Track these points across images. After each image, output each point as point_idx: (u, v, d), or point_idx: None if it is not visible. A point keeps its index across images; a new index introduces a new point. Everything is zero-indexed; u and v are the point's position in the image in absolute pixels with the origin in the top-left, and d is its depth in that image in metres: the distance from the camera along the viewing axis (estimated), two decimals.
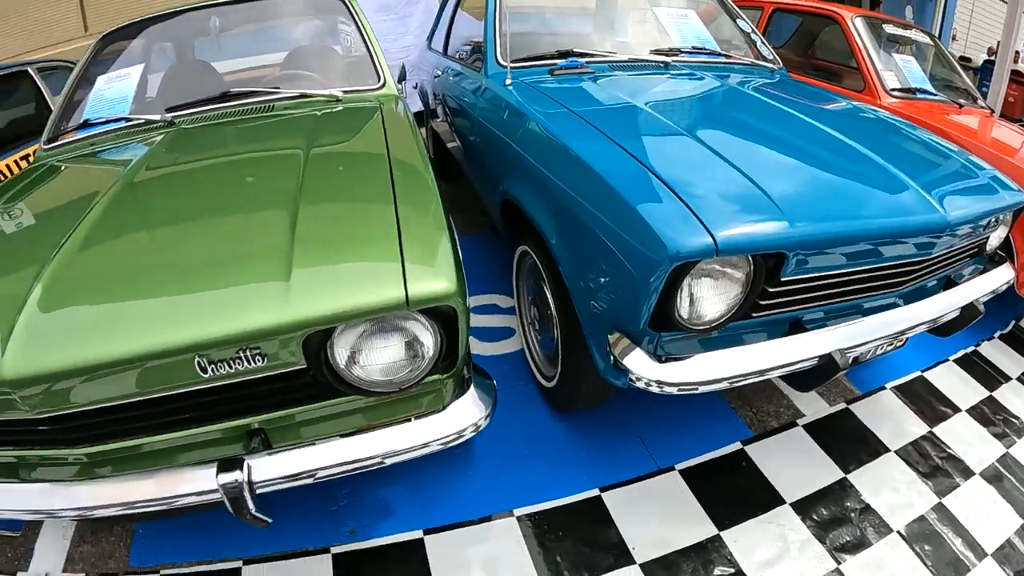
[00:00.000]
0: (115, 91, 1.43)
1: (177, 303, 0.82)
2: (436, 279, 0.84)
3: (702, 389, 1.08)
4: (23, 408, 0.79)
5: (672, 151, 1.16)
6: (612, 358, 1.05)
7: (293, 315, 0.79)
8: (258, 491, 0.89)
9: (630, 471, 1.34)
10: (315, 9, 1.74)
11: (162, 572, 1.25)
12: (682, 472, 1.36)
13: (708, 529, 1.26)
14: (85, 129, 1.42)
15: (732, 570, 1.18)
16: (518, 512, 1.26)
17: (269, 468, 0.89)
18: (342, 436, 0.96)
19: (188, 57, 1.67)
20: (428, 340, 0.88)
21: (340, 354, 0.86)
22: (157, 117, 1.38)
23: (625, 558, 1.21)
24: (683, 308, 1.04)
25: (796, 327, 1.19)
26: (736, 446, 1.42)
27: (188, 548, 1.27)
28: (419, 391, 0.95)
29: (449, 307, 0.85)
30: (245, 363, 0.81)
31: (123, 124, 1.41)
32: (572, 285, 1.13)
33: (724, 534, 1.25)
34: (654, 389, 1.05)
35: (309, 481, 0.94)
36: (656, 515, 1.29)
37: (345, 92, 1.42)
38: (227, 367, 0.81)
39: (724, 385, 1.08)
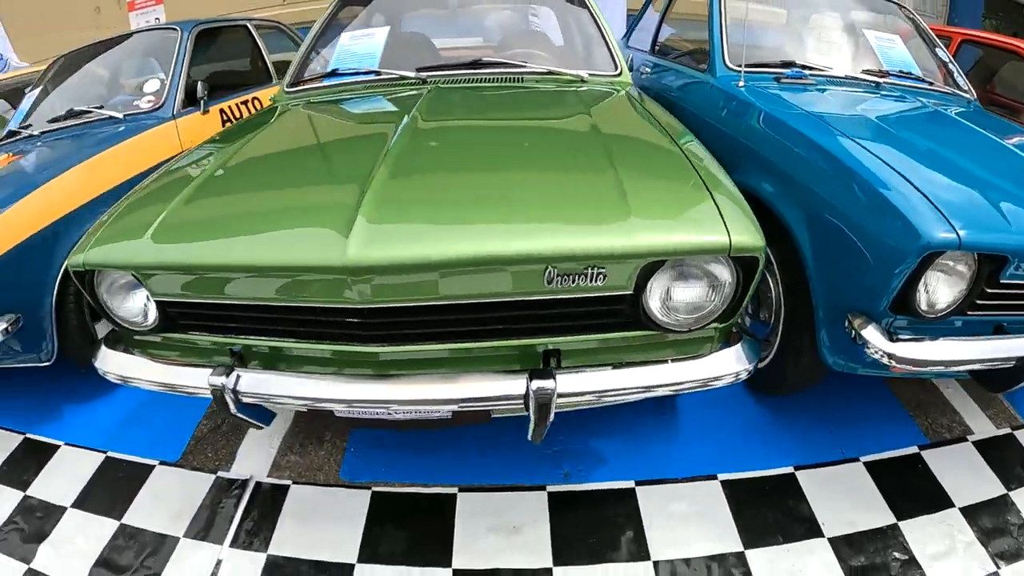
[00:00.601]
0: (362, 47, 1.75)
1: (529, 220, 1.05)
2: (751, 232, 1.10)
3: (922, 368, 1.33)
4: (353, 297, 0.99)
5: (905, 156, 1.41)
6: (853, 333, 1.30)
7: (640, 244, 1.02)
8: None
9: (819, 456, 1.58)
10: None
11: (373, 488, 1.49)
12: (865, 464, 1.60)
13: (888, 518, 1.48)
14: (333, 78, 1.74)
15: (906, 557, 1.40)
16: (721, 476, 1.51)
17: (568, 384, 1.10)
18: (613, 367, 1.22)
19: (422, 26, 2.01)
20: (727, 286, 1.15)
21: (656, 288, 1.12)
22: (412, 74, 1.69)
23: (815, 531, 1.44)
24: (920, 295, 1.31)
25: (999, 330, 1.46)
26: (913, 449, 1.66)
27: (401, 470, 1.51)
28: (698, 335, 1.21)
29: (755, 258, 1.12)
30: (587, 280, 1.04)
31: (372, 77, 1.73)
32: (816, 270, 1.38)
33: (901, 524, 1.48)
34: (885, 361, 1.30)
35: (592, 401, 1.18)
36: (843, 498, 1.52)
37: (591, 75, 1.72)
38: (570, 281, 1.04)
39: (939, 369, 1.34)
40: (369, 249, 0.95)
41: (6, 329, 1.61)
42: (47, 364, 1.78)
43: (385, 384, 1.09)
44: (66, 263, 1.19)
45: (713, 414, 1.66)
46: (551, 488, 1.46)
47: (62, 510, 1.61)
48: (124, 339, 1.32)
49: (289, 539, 1.41)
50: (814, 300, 1.41)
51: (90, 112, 2.27)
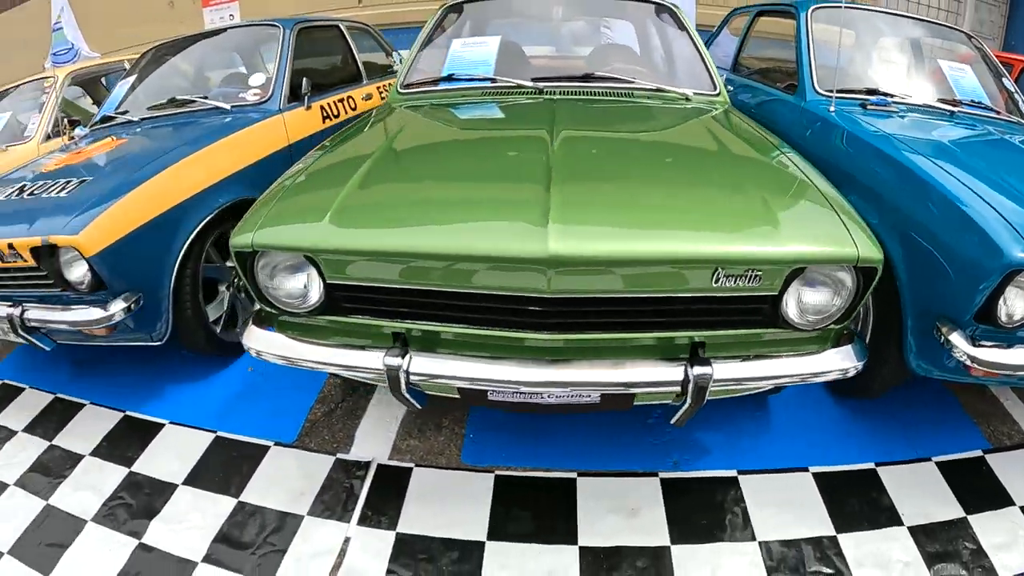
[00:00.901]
0: (475, 55, 1.95)
1: (702, 227, 1.24)
2: (874, 245, 1.31)
3: (1000, 372, 1.57)
4: (543, 287, 1.16)
5: (987, 182, 1.63)
6: (942, 339, 1.54)
7: (792, 253, 1.22)
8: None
9: (896, 455, 1.80)
10: (647, 13, 2.27)
11: (496, 472, 1.67)
12: (936, 463, 1.84)
13: (958, 511, 1.71)
14: (449, 82, 1.93)
15: (974, 547, 1.61)
16: (812, 469, 1.73)
17: (721, 372, 1.28)
18: (741, 359, 1.42)
19: (525, 36, 2.21)
20: (848, 292, 1.37)
21: (793, 291, 1.33)
22: (528, 84, 1.89)
23: (895, 520, 1.66)
24: (1001, 308, 1.56)
25: None
26: (977, 452, 1.91)
27: (521, 454, 1.69)
28: (818, 334, 1.42)
29: (875, 268, 1.35)
30: (745, 281, 1.23)
31: (488, 84, 1.94)
32: (907, 282, 1.61)
33: (970, 518, 1.70)
34: (968, 364, 1.55)
35: (734, 389, 1.36)
36: (918, 492, 1.75)
37: (695, 93, 1.94)
38: (732, 281, 1.23)
39: (1013, 374, 1.58)
40: (568, 243, 1.12)
41: (128, 307, 1.75)
42: (158, 344, 1.92)
43: (557, 368, 1.25)
44: (231, 243, 1.31)
45: (799, 413, 1.89)
46: (663, 475, 1.66)
47: (172, 487, 1.76)
48: (271, 320, 1.45)
49: (416, 518, 1.57)
50: (904, 309, 1.65)
51: (194, 101, 2.42)
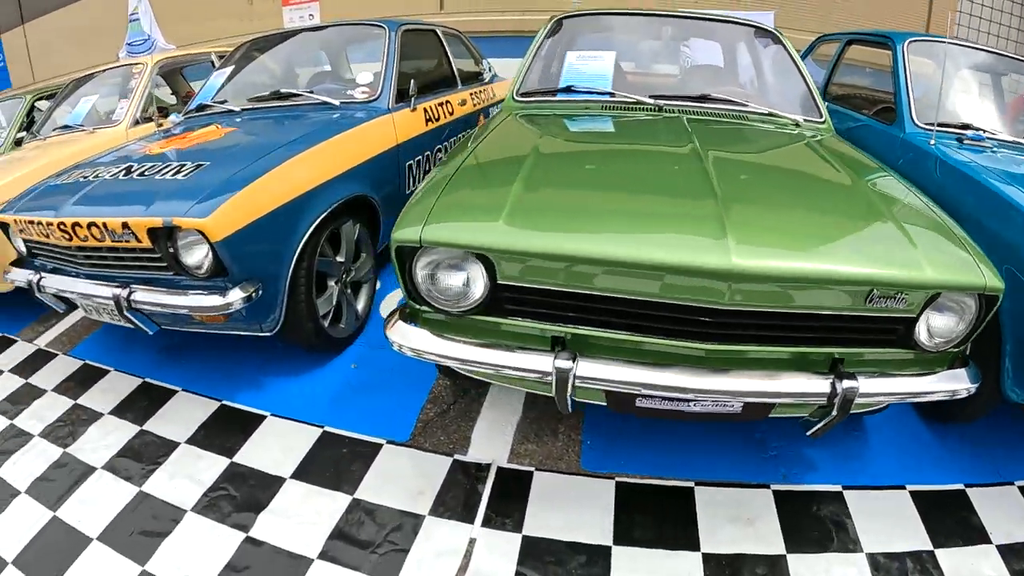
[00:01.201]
0: (592, 68, 2.04)
1: (862, 249, 1.33)
2: (996, 275, 1.38)
3: None
4: (719, 299, 1.24)
5: None
6: None
7: (934, 279, 1.31)
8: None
9: (983, 477, 1.90)
10: (753, 37, 2.41)
11: (617, 479, 1.78)
12: (1020, 488, 2.02)
13: None
14: (568, 93, 2.04)
15: None
16: (909, 487, 1.88)
17: (865, 387, 1.37)
18: (866, 376, 1.54)
19: (633, 53, 2.34)
20: (971, 318, 1.52)
21: (926, 314, 1.48)
22: (649, 101, 1.99)
23: (985, 538, 1.78)
24: None
25: None
26: None
27: (639, 462, 1.76)
28: (940, 355, 1.58)
29: (997, 296, 1.51)
30: (893, 303, 1.32)
31: (607, 98, 2.04)
32: (1009, 309, 1.73)
33: None
34: None
35: (870, 403, 1.46)
36: (1003, 515, 1.90)
37: (805, 120, 2.06)
38: (883, 303, 1.32)
39: None
40: (752, 259, 1.20)
41: (248, 296, 1.78)
42: (266, 335, 1.95)
43: (722, 377, 1.32)
44: (395, 237, 1.34)
45: (893, 434, 2.04)
46: (774, 487, 1.77)
47: (279, 480, 1.78)
48: (416, 317, 1.49)
49: (541, 521, 1.60)
50: (1003, 335, 1.82)
51: (300, 95, 2.47)
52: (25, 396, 2.37)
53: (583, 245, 1.27)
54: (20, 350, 2.73)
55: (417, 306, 1.47)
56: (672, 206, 1.42)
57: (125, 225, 1.78)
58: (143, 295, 1.88)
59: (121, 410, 2.16)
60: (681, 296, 1.29)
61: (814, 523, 1.72)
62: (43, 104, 4.47)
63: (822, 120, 2.11)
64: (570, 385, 1.34)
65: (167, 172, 1.95)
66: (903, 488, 1.87)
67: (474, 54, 3.79)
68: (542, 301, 1.38)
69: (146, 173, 1.99)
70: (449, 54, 3.18)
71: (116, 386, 2.29)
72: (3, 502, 1.95)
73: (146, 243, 1.79)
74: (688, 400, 1.42)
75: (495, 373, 1.47)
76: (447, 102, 2.96)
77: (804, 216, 1.49)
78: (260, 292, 1.83)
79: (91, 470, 1.96)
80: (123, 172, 2.06)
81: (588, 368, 1.34)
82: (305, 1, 5.41)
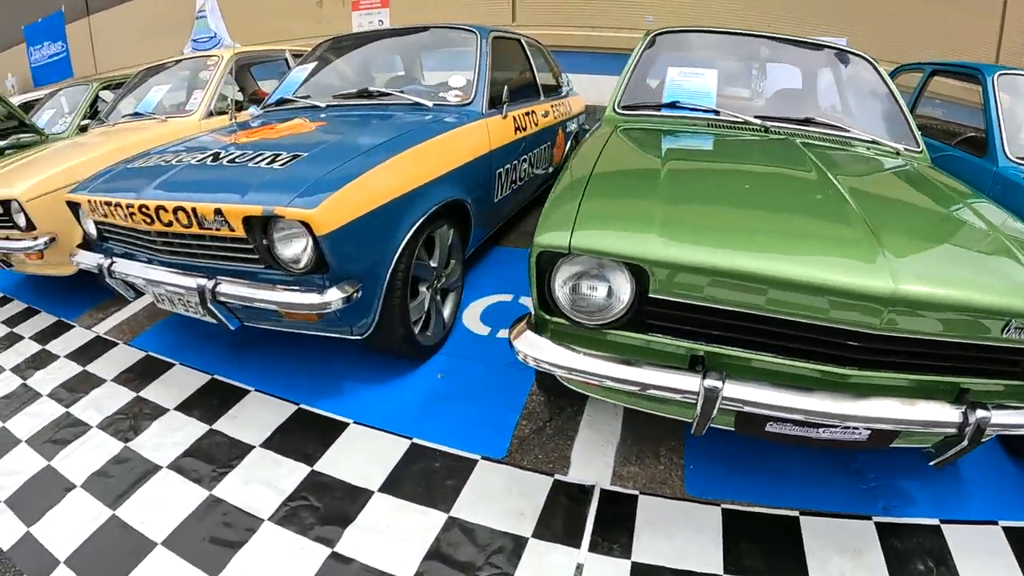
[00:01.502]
0: (695, 84, 1.97)
1: (1005, 280, 1.24)
2: None
3: None
4: (875, 323, 1.18)
5: None
6: None
7: None
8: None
9: None
10: (847, 63, 2.35)
11: (723, 505, 1.68)
12: None
13: None
14: (672, 109, 1.96)
15: None
16: (1002, 523, 1.75)
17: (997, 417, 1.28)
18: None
19: (728, 72, 2.28)
20: None
21: None
22: (756, 121, 1.92)
23: None
24: None
25: None
26: None
27: (743, 488, 1.67)
28: None
29: None
30: (1020, 334, 1.23)
31: (712, 116, 1.97)
32: None
33: None
34: None
35: (993, 432, 1.40)
36: None
37: (906, 149, 1.99)
38: (1018, 334, 1.22)
39: None
40: (914, 285, 1.15)
41: (349, 296, 1.65)
42: (356, 338, 1.83)
43: (863, 403, 1.25)
44: (539, 243, 1.26)
45: (981, 469, 1.99)
46: (876, 518, 1.70)
47: (366, 493, 1.64)
48: (544, 327, 1.40)
49: (648, 548, 1.49)
50: None
51: (390, 94, 2.39)
52: (82, 384, 2.23)
53: (748, 261, 1.20)
54: (78, 336, 2.58)
55: (547, 317, 1.38)
56: (822, 228, 1.34)
57: (218, 212, 1.65)
58: (230, 288, 1.75)
59: (187, 407, 2.02)
60: (836, 319, 1.22)
61: (918, 556, 1.63)
62: (106, 94, 4.43)
63: (919, 149, 2.05)
64: (717, 407, 1.25)
65: (261, 160, 1.84)
66: (995, 523, 1.80)
67: (553, 66, 3.72)
68: (687, 317, 1.29)
69: (237, 160, 1.88)
70: (533, 64, 3.12)
71: (181, 381, 2.15)
72: (55, 495, 1.80)
73: (239, 232, 1.66)
74: (821, 426, 1.34)
75: (627, 390, 1.37)
76: (532, 112, 2.89)
77: (947, 244, 1.43)
78: (360, 293, 1.70)
79: (155, 468, 1.82)
80: (210, 158, 1.94)
81: (735, 390, 1.26)
82: (375, 7, 5.35)
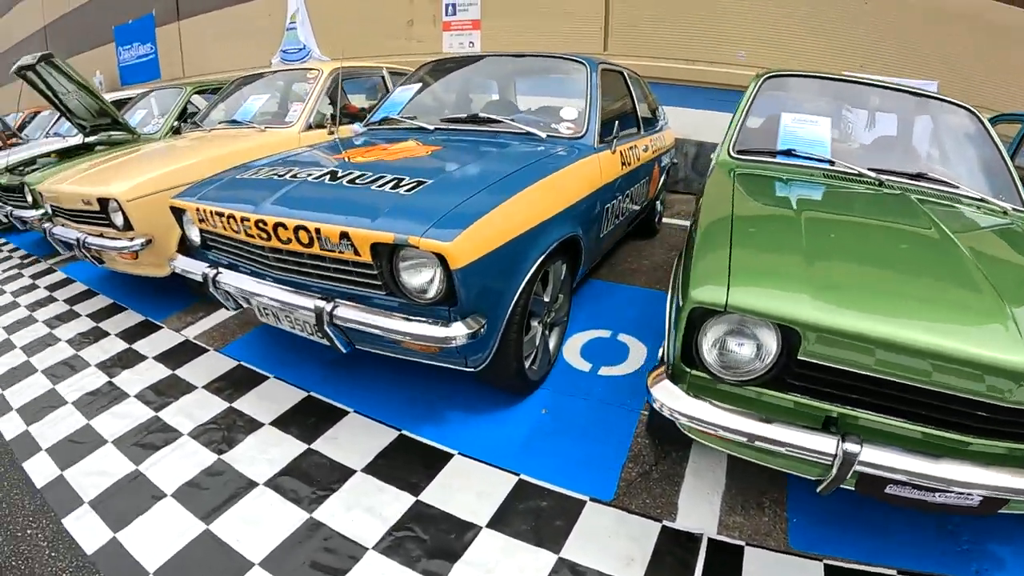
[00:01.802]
0: (809, 132, 1.97)
1: None
2: None
3: None
4: (1003, 396, 1.16)
5: None
6: None
7: None
8: None
9: None
10: (955, 116, 2.29)
11: (825, 561, 1.66)
12: None
13: None
14: (786, 156, 1.95)
15: None
16: None
17: None
18: None
19: (840, 120, 2.25)
20: None
21: None
22: (871, 174, 1.90)
23: None
24: None
25: None
26: None
27: (844, 544, 1.66)
28: None
29: None
30: None
31: (826, 166, 1.95)
32: None
33: None
34: None
35: None
36: None
37: (1015, 209, 1.94)
38: None
39: None
40: None
41: (475, 332, 1.62)
42: (470, 370, 1.79)
43: (988, 472, 1.24)
44: (695, 298, 1.24)
45: None
46: None
47: (474, 528, 1.61)
48: (682, 378, 1.38)
49: None
50: None
51: (501, 122, 2.35)
52: (171, 388, 2.19)
53: (897, 331, 1.20)
54: (166, 338, 2.54)
55: (687, 369, 1.36)
56: (957, 295, 1.33)
57: (344, 235, 1.62)
58: (349, 312, 1.72)
59: (283, 423, 1.99)
60: (970, 389, 1.21)
61: None
62: (198, 99, 4.44)
63: None
64: (853, 470, 1.25)
65: (384, 184, 1.80)
66: None
67: (650, 98, 3.68)
68: (828, 380, 1.28)
69: (358, 182, 1.84)
70: (634, 96, 3.08)
71: (275, 395, 2.11)
72: (144, 503, 1.76)
73: (366, 257, 1.63)
74: (939, 490, 1.32)
75: (755, 446, 1.35)
76: (635, 147, 2.85)
77: None
78: (484, 329, 1.66)
79: (251, 484, 1.79)
80: (327, 176, 1.90)
81: (872, 454, 1.26)
82: (466, 28, 5.30)
